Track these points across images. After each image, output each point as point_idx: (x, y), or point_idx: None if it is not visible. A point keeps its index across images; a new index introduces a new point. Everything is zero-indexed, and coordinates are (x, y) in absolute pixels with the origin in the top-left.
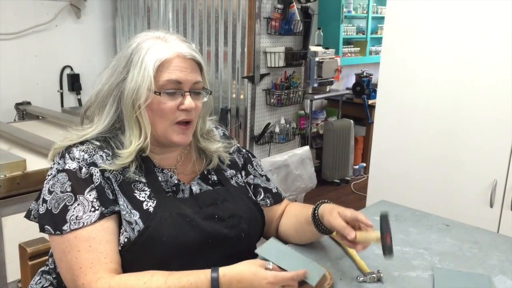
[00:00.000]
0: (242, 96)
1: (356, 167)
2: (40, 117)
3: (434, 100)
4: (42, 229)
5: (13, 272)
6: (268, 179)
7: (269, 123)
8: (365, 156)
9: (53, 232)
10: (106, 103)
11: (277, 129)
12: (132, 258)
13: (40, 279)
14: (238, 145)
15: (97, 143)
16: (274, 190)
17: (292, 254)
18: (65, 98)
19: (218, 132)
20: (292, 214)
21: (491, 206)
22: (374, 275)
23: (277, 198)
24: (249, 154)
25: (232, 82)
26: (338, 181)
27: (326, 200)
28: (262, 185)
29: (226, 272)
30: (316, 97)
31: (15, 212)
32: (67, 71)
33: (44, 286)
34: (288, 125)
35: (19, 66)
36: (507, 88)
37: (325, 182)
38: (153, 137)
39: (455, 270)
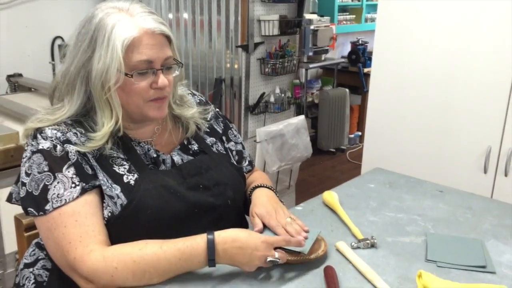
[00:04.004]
0: (236, 66)
1: (352, 136)
2: (32, 89)
3: (429, 67)
4: (26, 212)
5: (11, 244)
6: (243, 147)
7: (263, 93)
8: (361, 125)
9: (36, 214)
10: (75, 84)
11: (272, 99)
12: (117, 231)
13: (34, 250)
14: (216, 110)
15: (69, 121)
16: (249, 158)
17: None
18: (57, 69)
19: (195, 99)
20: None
21: (485, 172)
22: (368, 241)
23: (250, 165)
24: (227, 120)
25: (226, 52)
26: (334, 150)
27: (263, 185)
28: (244, 152)
29: (220, 233)
30: (311, 66)
31: (9, 184)
32: (58, 42)
33: (39, 258)
34: (283, 95)
35: (9, 37)
36: (502, 55)
37: (321, 151)
38: (127, 114)
39: (448, 235)
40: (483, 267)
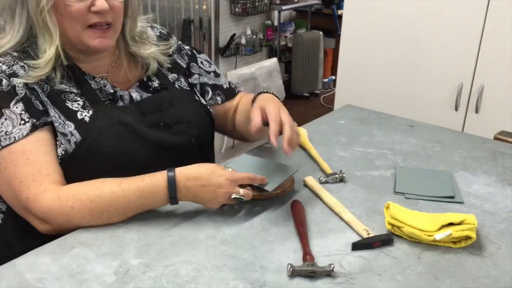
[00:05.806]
0: (205, 7)
1: (326, 80)
2: None
3: (401, 4)
4: None
5: None
6: (217, 75)
7: (234, 34)
8: (335, 68)
9: None
10: (14, 8)
11: (243, 41)
12: (73, 171)
13: None
14: (179, 43)
15: (15, 53)
16: (225, 86)
17: (262, 166)
18: None
19: (154, 32)
20: (243, 106)
21: (456, 109)
22: (337, 176)
23: (229, 93)
24: (194, 51)
25: None
26: (308, 94)
27: (267, 91)
28: (210, 83)
29: (182, 169)
30: (284, 7)
31: None
32: None
33: None
34: (254, 36)
35: None
36: None
37: (295, 96)
38: (70, 43)
39: (417, 167)
40: (451, 197)
